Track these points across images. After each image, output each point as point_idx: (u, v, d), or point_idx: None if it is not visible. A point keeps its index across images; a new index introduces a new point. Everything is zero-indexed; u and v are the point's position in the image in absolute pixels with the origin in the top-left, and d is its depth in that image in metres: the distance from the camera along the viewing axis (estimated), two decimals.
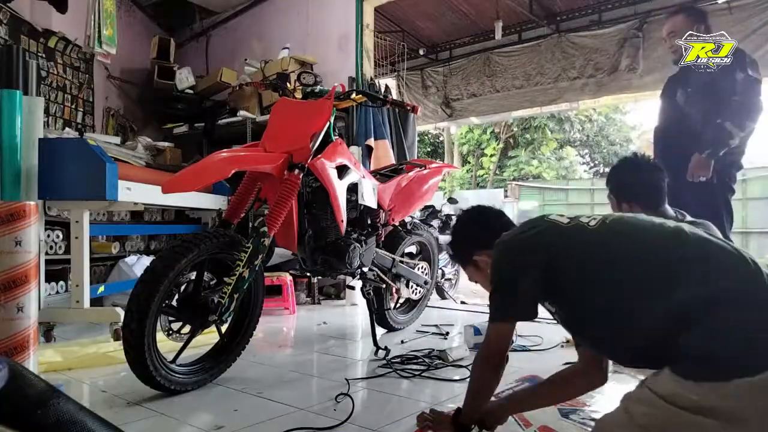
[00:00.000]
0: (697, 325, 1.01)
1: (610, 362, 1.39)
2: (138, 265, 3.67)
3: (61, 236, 3.29)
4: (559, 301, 1.28)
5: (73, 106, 4.72)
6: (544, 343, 2.67)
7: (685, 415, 1.00)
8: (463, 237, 1.57)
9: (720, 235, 1.72)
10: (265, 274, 2.44)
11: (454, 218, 4.91)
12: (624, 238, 1.20)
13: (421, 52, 7.65)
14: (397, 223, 2.98)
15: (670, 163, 2.75)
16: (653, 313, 1.07)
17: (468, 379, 1.40)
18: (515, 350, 2.53)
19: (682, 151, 2.62)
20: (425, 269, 3.18)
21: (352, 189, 2.43)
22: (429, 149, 18.55)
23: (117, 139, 4.09)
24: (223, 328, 2.11)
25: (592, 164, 19.82)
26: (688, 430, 1.02)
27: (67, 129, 4.34)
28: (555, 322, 1.36)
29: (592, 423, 1.57)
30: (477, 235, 1.50)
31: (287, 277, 3.76)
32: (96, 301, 3.23)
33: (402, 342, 2.78)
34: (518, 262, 1.27)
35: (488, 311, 1.32)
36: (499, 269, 1.31)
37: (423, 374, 2.16)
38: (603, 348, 1.28)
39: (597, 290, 1.17)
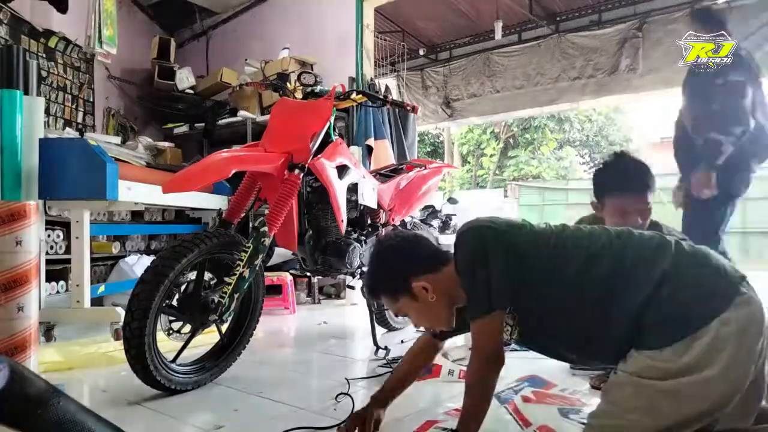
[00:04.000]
0: (650, 304, 1.14)
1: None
2: (138, 264, 3.68)
3: (61, 236, 3.29)
4: (522, 302, 1.28)
5: (74, 106, 4.72)
6: None
7: (661, 384, 1.10)
8: (396, 266, 1.40)
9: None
10: (266, 273, 2.44)
11: (454, 218, 4.91)
12: (580, 238, 1.29)
13: (421, 53, 7.66)
14: (397, 223, 2.98)
15: (683, 176, 2.75)
16: (622, 311, 1.17)
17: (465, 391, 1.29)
18: (515, 350, 2.52)
19: (689, 164, 2.63)
20: None
21: (352, 189, 2.43)
22: (429, 149, 18.56)
23: (117, 139, 4.09)
24: (224, 327, 2.11)
25: (591, 164, 19.78)
26: (670, 398, 1.10)
27: (67, 129, 4.34)
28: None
29: None
30: (412, 261, 1.38)
31: (287, 277, 3.76)
32: (96, 301, 3.23)
33: (402, 342, 2.78)
34: (494, 248, 1.26)
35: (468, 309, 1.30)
36: (474, 256, 1.27)
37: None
38: (554, 348, 1.37)
39: (563, 291, 1.23)
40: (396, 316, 1.45)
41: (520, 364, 2.22)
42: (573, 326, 1.24)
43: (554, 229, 1.33)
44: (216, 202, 3.76)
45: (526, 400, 1.78)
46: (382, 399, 1.56)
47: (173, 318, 1.98)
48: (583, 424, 1.56)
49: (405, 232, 1.51)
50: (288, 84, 2.49)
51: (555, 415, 1.62)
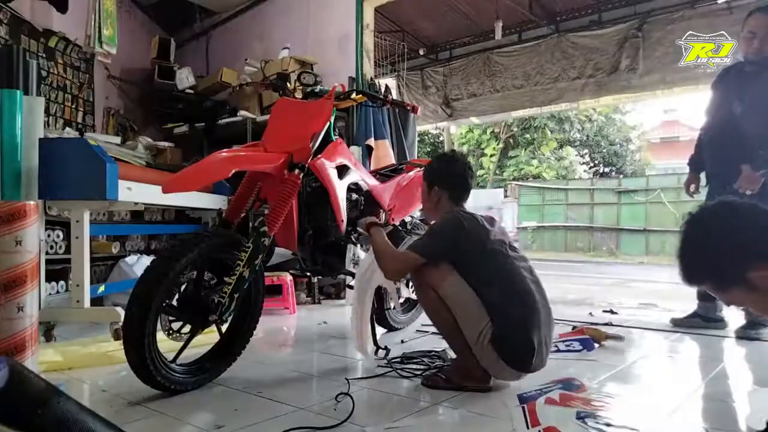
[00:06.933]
0: None
1: None
2: (138, 264, 3.67)
3: (61, 236, 3.29)
4: None
5: (74, 106, 4.72)
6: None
7: None
8: (727, 248, 1.10)
9: None
10: (266, 273, 2.44)
11: None
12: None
13: (421, 52, 7.67)
14: (397, 223, 2.98)
15: (720, 171, 2.75)
16: None
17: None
18: (559, 351, 2.47)
19: (734, 161, 2.64)
20: None
21: (352, 189, 2.43)
22: (429, 149, 18.57)
23: (117, 139, 4.09)
24: (224, 327, 2.11)
25: (591, 164, 19.83)
26: None
27: (67, 129, 4.34)
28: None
29: (606, 428, 1.53)
30: (748, 242, 1.08)
31: (287, 277, 3.76)
32: (96, 301, 3.23)
33: (402, 341, 2.79)
34: None
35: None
36: None
37: (423, 374, 2.16)
38: None
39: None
40: (730, 304, 1.22)
41: (564, 364, 2.23)
42: None
43: None
44: (216, 202, 3.76)
45: (549, 401, 1.73)
46: None
47: (173, 318, 1.98)
48: (597, 430, 1.52)
49: (734, 202, 1.15)
50: (288, 84, 2.49)
51: (570, 418, 1.58)
